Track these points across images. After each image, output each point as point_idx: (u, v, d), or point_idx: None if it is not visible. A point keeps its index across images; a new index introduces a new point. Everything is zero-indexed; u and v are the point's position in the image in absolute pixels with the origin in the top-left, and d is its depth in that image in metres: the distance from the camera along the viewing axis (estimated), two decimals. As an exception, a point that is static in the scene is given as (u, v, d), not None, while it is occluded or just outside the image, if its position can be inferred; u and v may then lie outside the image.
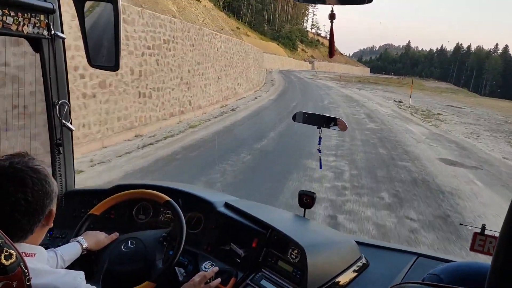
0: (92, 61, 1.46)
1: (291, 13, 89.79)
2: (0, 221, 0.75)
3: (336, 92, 25.95)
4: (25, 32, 1.24)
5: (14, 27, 1.18)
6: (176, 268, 1.34)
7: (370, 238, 4.03)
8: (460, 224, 1.57)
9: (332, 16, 1.15)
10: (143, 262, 1.30)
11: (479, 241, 1.30)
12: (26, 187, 0.84)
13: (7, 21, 1.15)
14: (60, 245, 1.44)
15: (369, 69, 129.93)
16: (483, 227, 1.31)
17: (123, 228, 1.56)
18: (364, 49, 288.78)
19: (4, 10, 1.12)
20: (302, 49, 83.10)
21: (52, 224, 0.94)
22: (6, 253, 0.68)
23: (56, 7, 1.33)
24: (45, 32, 1.32)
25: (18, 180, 0.84)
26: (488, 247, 1.28)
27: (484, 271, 0.80)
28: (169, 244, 1.36)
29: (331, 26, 1.14)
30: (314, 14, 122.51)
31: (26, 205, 0.84)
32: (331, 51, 1.17)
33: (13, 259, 0.68)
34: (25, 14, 1.21)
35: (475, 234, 1.32)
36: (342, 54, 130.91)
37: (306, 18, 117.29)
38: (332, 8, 1.15)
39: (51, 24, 1.33)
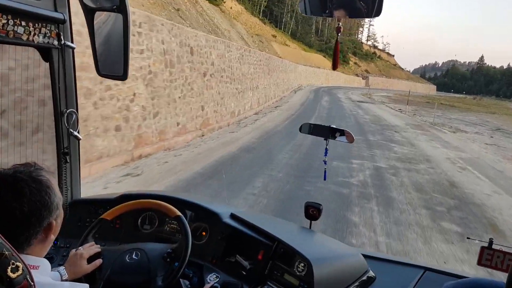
0: (101, 70, 1.62)
1: (344, 23, 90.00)
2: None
3: (412, 165, 9.24)
4: (35, 42, 1.40)
5: (25, 37, 1.34)
6: (180, 280, 1.42)
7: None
8: (467, 238, 1.68)
9: (338, 30, 1.24)
10: (144, 276, 1.38)
11: (487, 255, 1.39)
12: (22, 197, 0.89)
13: (18, 31, 1.31)
14: (64, 255, 1.57)
15: (435, 86, 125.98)
16: (491, 242, 1.39)
17: (128, 238, 1.69)
18: (426, 65, 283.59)
19: (15, 20, 1.28)
20: (355, 63, 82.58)
21: (53, 237, 1.00)
22: (13, 266, 0.70)
23: (67, 18, 1.50)
24: (55, 42, 1.49)
25: (16, 189, 0.89)
26: (496, 261, 1.38)
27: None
28: (173, 261, 1.44)
29: (337, 39, 1.23)
30: (370, 25, 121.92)
31: (21, 215, 0.88)
32: (335, 63, 1.27)
33: (20, 272, 0.71)
34: (36, 24, 1.37)
35: (482, 248, 1.40)
36: (403, 69, 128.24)
37: (361, 29, 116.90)
38: (338, 22, 1.23)
39: (61, 34, 1.49)
